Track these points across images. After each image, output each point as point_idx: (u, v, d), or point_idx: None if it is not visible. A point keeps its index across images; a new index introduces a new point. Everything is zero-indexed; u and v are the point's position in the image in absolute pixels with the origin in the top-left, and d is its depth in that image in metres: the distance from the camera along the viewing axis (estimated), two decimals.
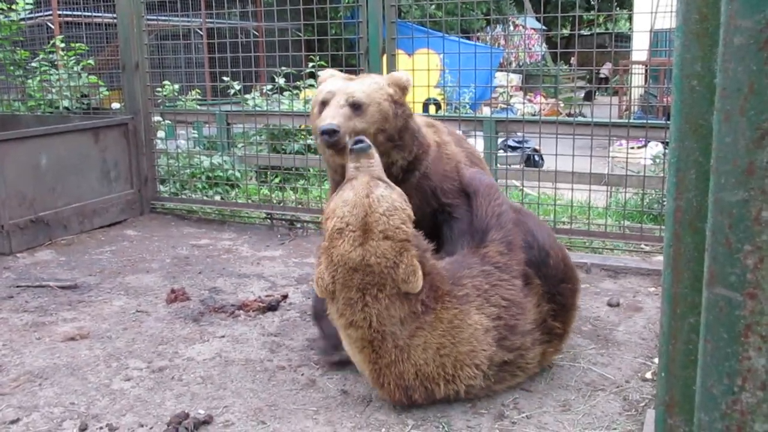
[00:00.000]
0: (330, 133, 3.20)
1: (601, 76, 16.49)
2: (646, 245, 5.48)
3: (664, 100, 9.96)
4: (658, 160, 7.75)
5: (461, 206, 3.55)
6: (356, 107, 3.30)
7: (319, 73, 3.74)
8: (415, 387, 3.00)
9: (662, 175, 5.92)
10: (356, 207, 2.91)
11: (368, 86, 3.39)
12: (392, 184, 3.08)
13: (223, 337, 4.03)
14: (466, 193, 3.57)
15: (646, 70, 12.58)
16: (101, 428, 3.03)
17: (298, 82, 8.35)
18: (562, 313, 3.35)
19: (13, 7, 8.74)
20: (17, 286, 4.92)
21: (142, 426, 3.04)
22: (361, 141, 3.05)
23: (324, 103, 3.36)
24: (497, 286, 3.14)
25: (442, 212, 3.58)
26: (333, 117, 3.24)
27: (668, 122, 1.44)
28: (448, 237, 3.54)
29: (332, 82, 3.48)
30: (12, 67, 8.78)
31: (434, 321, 2.98)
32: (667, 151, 5.64)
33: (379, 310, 2.89)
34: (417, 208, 3.20)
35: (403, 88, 3.50)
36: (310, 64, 7.49)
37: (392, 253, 2.88)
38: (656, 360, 3.48)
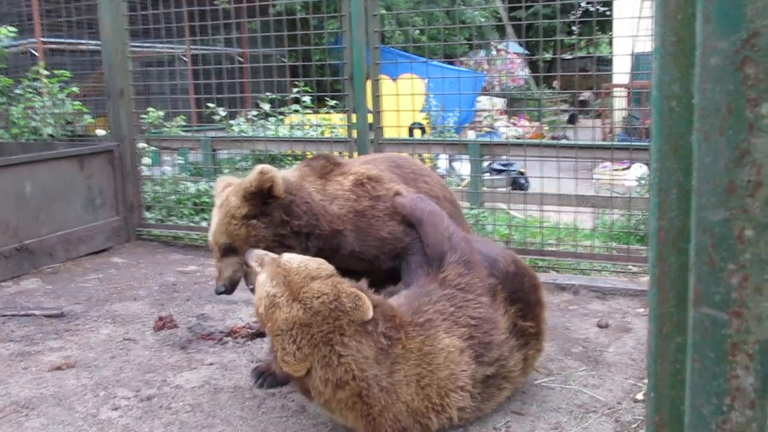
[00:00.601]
0: (224, 293, 3.51)
1: (581, 98, 16.68)
2: (633, 266, 5.51)
3: (647, 122, 10.06)
4: (643, 182, 7.81)
5: (414, 241, 3.50)
6: (229, 250, 3.42)
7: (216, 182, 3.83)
8: (411, 426, 2.96)
9: (647, 196, 5.97)
10: (273, 278, 2.94)
11: (223, 224, 3.39)
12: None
13: (211, 364, 4.00)
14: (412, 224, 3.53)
15: (628, 93, 12.72)
16: None
17: (283, 108, 8.38)
18: (530, 311, 3.36)
19: None
20: (2, 316, 4.87)
21: None
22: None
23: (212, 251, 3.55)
24: (463, 307, 3.13)
25: (397, 257, 3.56)
26: (220, 278, 3.47)
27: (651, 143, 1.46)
28: (404, 270, 3.52)
29: (212, 218, 3.54)
30: None
31: (405, 352, 2.94)
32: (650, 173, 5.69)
33: (354, 356, 2.84)
34: (367, 272, 3.26)
35: (259, 194, 3.35)
36: (295, 90, 7.53)
37: (327, 288, 2.87)
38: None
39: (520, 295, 3.34)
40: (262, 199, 3.34)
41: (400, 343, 2.94)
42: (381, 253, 3.52)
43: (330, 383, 2.85)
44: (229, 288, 3.47)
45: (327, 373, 2.84)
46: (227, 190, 3.50)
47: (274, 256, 3.12)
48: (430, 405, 2.96)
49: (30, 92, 8.72)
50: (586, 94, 15.93)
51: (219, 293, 3.48)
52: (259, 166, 3.37)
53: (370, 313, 2.85)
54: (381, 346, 2.89)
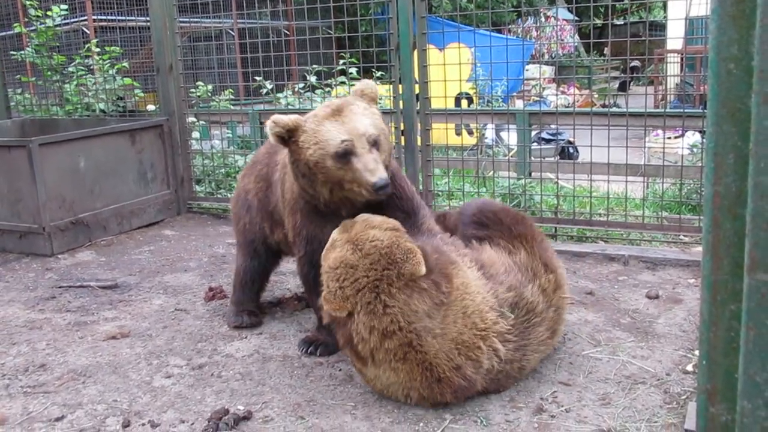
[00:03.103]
0: (386, 187, 3.19)
1: (632, 65, 16.29)
2: (685, 236, 5.40)
3: (701, 88, 9.78)
4: (695, 149, 7.62)
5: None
6: (376, 144, 3.27)
7: (298, 121, 3.35)
8: (464, 364, 2.99)
9: (700, 164, 5.82)
10: (343, 227, 3.15)
11: (371, 118, 3.32)
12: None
13: (260, 333, 4.06)
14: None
15: (681, 59, 12.37)
16: (143, 425, 3.08)
17: (329, 80, 8.37)
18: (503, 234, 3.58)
19: (49, 13, 8.89)
20: (59, 287, 5.02)
21: (183, 422, 3.08)
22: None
23: (345, 155, 3.20)
24: (454, 246, 3.37)
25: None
26: (382, 169, 3.19)
27: (705, 110, 1.42)
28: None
29: (328, 127, 3.26)
30: (49, 73, 8.94)
31: (454, 292, 3.02)
32: (704, 139, 5.55)
33: (401, 308, 2.87)
34: None
35: (372, 99, 3.50)
36: (341, 62, 7.51)
37: (383, 236, 2.98)
38: (697, 352, 3.42)
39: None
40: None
41: (451, 290, 3.00)
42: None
43: (375, 331, 2.90)
44: (390, 181, 3.25)
45: (372, 320, 2.89)
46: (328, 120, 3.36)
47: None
48: (476, 332, 3.01)
49: (82, 70, 8.88)
50: (636, 62, 15.56)
51: (382, 186, 3.16)
52: None
53: (423, 270, 2.90)
54: (437, 300, 2.93)
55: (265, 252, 4.18)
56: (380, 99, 8.08)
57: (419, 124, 6.00)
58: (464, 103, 10.53)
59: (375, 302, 2.88)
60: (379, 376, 3.05)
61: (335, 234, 3.15)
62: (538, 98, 10.56)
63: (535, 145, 9.54)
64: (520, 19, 15.68)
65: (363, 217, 3.18)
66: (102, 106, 8.55)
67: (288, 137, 3.32)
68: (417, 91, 5.99)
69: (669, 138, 9.02)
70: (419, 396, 3.03)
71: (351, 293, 2.91)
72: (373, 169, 3.17)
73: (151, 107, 8.96)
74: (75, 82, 8.80)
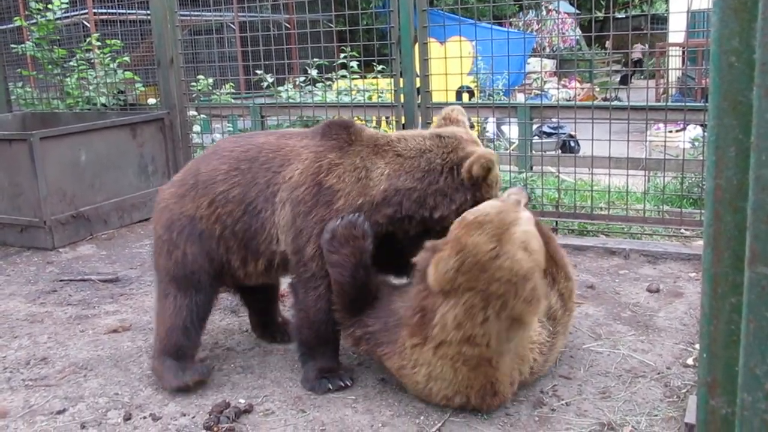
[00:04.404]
0: None
1: (634, 58, 16.21)
2: (686, 230, 5.40)
3: (703, 81, 9.77)
4: (697, 143, 7.60)
5: None
6: None
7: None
8: (515, 377, 3.00)
9: (701, 158, 5.81)
10: (504, 212, 2.68)
11: None
12: None
13: None
14: None
15: (683, 52, 12.34)
16: (145, 417, 3.08)
17: (330, 74, 8.36)
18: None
19: (49, 6, 8.88)
20: (60, 280, 5.03)
21: (184, 415, 3.09)
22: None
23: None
24: None
25: None
26: None
27: (707, 104, 1.41)
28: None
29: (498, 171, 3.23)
30: (50, 66, 8.93)
31: None
32: (706, 133, 5.54)
33: (498, 329, 2.69)
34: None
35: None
36: (342, 55, 7.50)
37: (526, 264, 2.60)
38: (698, 345, 3.43)
39: None
40: None
41: None
42: None
43: (461, 332, 2.68)
44: None
45: (465, 321, 2.65)
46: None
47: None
48: (531, 345, 3.02)
49: (83, 63, 8.87)
50: (638, 53, 15.48)
51: None
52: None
53: (530, 323, 2.80)
54: (528, 332, 2.94)
55: (210, 284, 3.42)
56: (381, 93, 8.10)
57: (420, 118, 5.99)
58: (465, 96, 10.50)
59: (478, 310, 2.63)
60: (431, 364, 2.85)
61: (491, 206, 2.73)
62: (539, 92, 10.54)
63: (536, 139, 9.52)
64: (521, 13, 15.62)
65: (527, 215, 2.75)
66: (103, 99, 8.55)
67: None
68: (418, 84, 5.98)
69: (670, 131, 8.99)
70: (465, 401, 2.92)
71: (463, 286, 2.62)
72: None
73: (151, 101, 8.95)
74: (76, 76, 8.79)
